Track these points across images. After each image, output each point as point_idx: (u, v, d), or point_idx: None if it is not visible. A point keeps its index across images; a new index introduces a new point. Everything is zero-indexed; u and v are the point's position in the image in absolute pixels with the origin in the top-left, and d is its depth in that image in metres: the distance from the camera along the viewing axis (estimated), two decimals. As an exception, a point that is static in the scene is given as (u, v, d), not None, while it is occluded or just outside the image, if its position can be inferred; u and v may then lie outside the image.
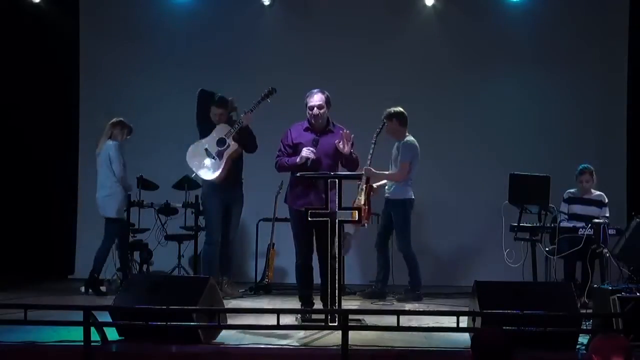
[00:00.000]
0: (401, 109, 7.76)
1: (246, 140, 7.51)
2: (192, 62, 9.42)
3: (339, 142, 6.27)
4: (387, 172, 7.72)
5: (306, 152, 6.26)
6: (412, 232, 7.91)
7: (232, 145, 7.45)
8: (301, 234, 6.37)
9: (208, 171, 7.53)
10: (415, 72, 9.46)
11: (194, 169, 7.59)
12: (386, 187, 7.74)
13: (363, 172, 7.12)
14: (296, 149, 6.39)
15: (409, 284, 7.75)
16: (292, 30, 9.63)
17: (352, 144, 6.39)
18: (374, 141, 7.53)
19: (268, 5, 9.56)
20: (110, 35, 9.52)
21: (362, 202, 7.25)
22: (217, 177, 7.51)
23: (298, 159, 6.29)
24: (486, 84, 9.50)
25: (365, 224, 7.44)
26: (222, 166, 7.46)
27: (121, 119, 8.11)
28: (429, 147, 8.10)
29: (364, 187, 7.35)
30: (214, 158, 7.49)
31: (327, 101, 6.40)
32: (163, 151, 8.65)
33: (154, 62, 9.53)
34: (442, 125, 9.21)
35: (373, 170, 7.50)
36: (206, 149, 7.52)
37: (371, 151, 7.50)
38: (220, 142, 7.50)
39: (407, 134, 7.79)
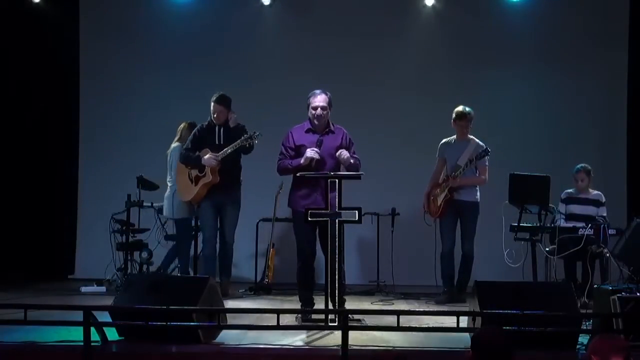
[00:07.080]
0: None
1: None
2: (192, 62, 9.43)
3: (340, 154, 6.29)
4: (473, 178, 7.63)
5: (310, 152, 6.26)
6: (413, 232, 7.91)
7: (208, 176, 7.57)
8: (305, 235, 6.35)
9: (184, 191, 7.79)
10: (415, 72, 9.46)
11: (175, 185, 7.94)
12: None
13: (449, 182, 7.52)
14: (298, 151, 6.39)
15: (461, 283, 7.65)
16: (292, 30, 9.63)
17: (351, 143, 6.45)
18: (469, 160, 7.50)
19: (268, 5, 9.56)
20: (110, 35, 9.52)
21: (439, 203, 7.62)
22: (189, 200, 7.80)
23: (302, 160, 6.28)
24: (486, 84, 9.48)
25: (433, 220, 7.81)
26: (195, 191, 7.66)
27: (193, 121, 8.06)
28: (429, 147, 8.09)
29: (445, 191, 7.57)
30: (191, 181, 7.71)
31: (330, 102, 6.43)
32: (163, 151, 8.65)
33: (154, 62, 9.53)
34: (442, 125, 9.17)
35: (460, 180, 7.52)
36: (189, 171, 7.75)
37: (463, 167, 7.51)
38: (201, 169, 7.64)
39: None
